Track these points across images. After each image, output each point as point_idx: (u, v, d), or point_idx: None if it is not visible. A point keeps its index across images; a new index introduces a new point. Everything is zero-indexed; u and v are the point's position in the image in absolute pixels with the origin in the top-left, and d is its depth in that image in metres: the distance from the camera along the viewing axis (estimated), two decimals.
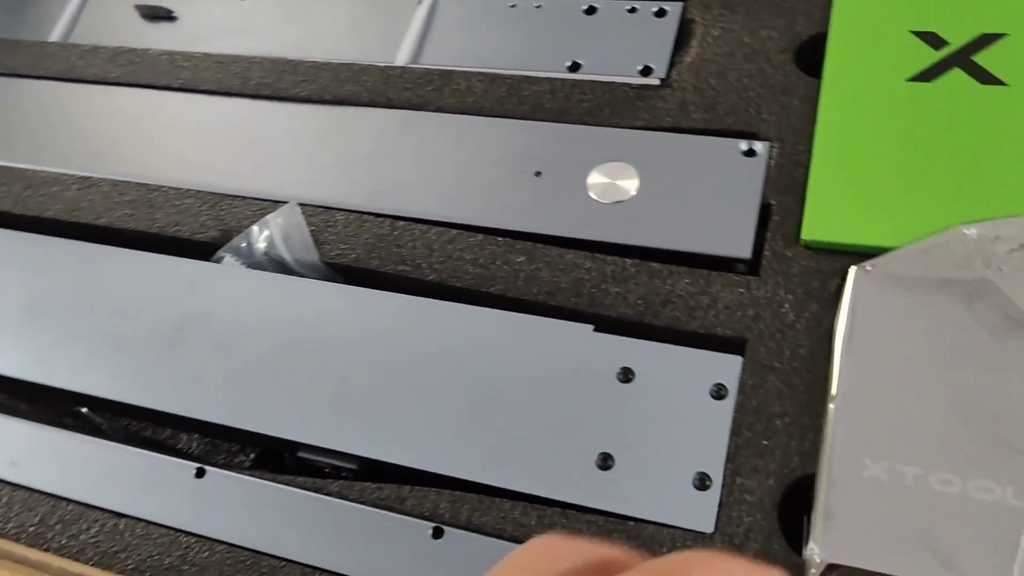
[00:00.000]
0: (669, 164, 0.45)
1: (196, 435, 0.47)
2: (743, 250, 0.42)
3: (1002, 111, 0.43)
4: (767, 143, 0.45)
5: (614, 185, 0.45)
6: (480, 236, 0.45)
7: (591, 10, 0.52)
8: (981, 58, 0.44)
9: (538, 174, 0.46)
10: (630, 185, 0.45)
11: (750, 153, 0.45)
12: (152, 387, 0.44)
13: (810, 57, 0.47)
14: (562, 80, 0.50)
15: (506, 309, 0.43)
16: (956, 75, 0.44)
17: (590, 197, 0.45)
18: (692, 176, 0.44)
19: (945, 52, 0.45)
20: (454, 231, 0.45)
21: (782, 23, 0.49)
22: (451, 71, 0.51)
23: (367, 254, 0.46)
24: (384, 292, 0.44)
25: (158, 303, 0.47)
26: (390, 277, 0.45)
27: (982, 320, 0.37)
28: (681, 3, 0.51)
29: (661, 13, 0.51)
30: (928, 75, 0.44)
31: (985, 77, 0.44)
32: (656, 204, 0.44)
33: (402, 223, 0.46)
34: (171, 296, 0.47)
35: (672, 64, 0.49)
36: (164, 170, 0.53)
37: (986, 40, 0.45)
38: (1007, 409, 0.35)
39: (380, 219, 0.47)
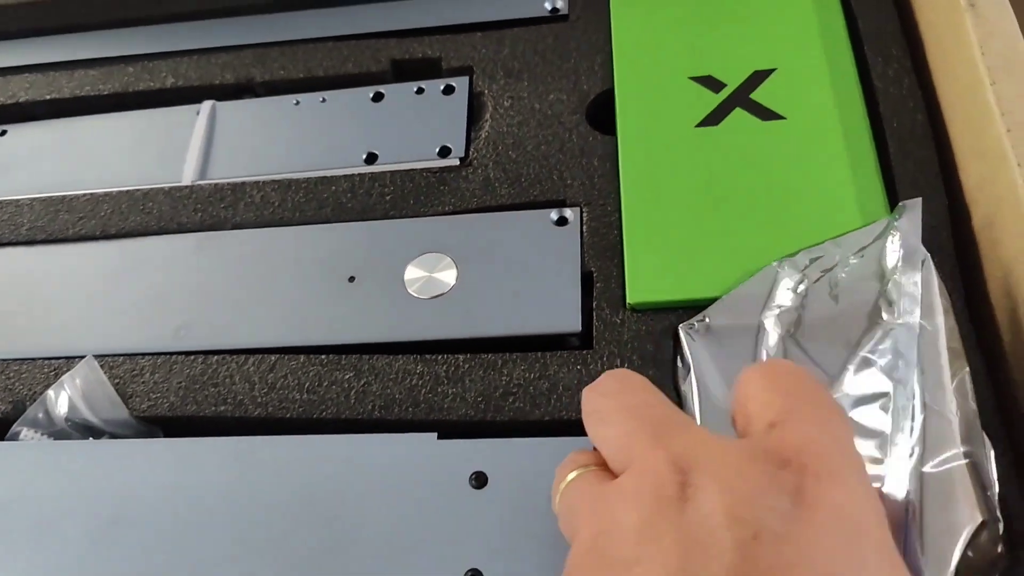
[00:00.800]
0: (483, 247, 0.44)
1: None
2: (572, 324, 0.41)
3: (786, 143, 0.44)
4: (576, 209, 0.44)
5: (432, 278, 0.43)
6: (302, 358, 0.42)
7: (378, 97, 0.51)
8: (758, 95, 0.45)
9: (352, 279, 0.44)
10: (448, 276, 0.43)
11: (562, 222, 0.44)
12: None
13: (602, 115, 0.47)
14: (360, 175, 0.48)
15: (342, 432, 0.40)
16: (739, 115, 0.45)
17: (410, 295, 0.43)
18: (508, 255, 0.43)
19: (725, 94, 0.46)
20: (273, 357, 0.42)
21: (568, 84, 0.49)
22: (243, 183, 0.49)
23: (182, 400, 0.42)
24: (207, 439, 0.41)
25: None
26: (211, 421, 0.42)
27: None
28: (466, 78, 0.50)
29: (449, 90, 0.50)
30: (714, 118, 0.45)
31: (765, 113, 0.45)
32: (477, 291, 0.43)
33: (216, 358, 0.43)
34: None
35: (469, 141, 0.48)
36: None
37: (759, 77, 0.46)
38: None
39: (191, 358, 0.43)
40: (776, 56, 0.46)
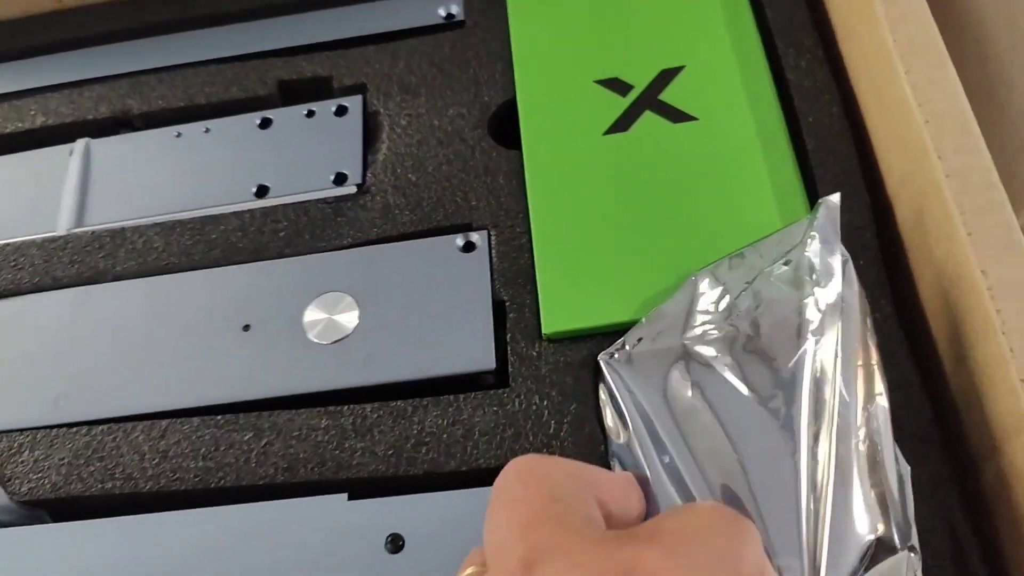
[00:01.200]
0: (386, 282, 0.41)
1: None
2: (486, 362, 0.38)
3: (700, 146, 0.41)
4: (483, 232, 0.41)
5: (332, 321, 0.40)
6: (196, 420, 0.39)
7: (265, 123, 0.47)
8: (668, 96, 0.43)
9: (247, 328, 0.41)
10: (349, 317, 0.40)
11: (468, 247, 0.41)
12: None
13: (505, 128, 0.44)
14: (251, 211, 0.44)
15: (244, 501, 0.37)
16: (649, 119, 0.42)
17: (310, 340, 0.40)
18: (414, 289, 0.40)
19: (632, 96, 0.43)
20: (164, 422, 0.39)
21: (468, 97, 0.45)
22: (123, 228, 0.44)
23: (66, 479, 0.38)
24: (96, 521, 0.37)
25: None
26: (100, 499, 0.38)
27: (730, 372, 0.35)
28: (359, 96, 0.46)
29: (341, 111, 0.46)
30: (622, 124, 0.42)
31: (676, 115, 0.42)
32: (382, 332, 0.39)
33: (100, 429, 0.39)
34: None
35: (366, 166, 0.45)
36: None
37: (667, 76, 0.43)
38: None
39: (73, 430, 0.39)
40: (683, 53, 0.44)
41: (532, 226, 0.40)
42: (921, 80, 0.36)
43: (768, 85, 0.42)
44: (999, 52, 0.53)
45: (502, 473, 0.27)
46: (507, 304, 0.39)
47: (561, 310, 0.38)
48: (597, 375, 0.37)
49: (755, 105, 0.42)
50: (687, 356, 0.35)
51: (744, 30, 0.44)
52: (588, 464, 0.28)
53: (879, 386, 0.31)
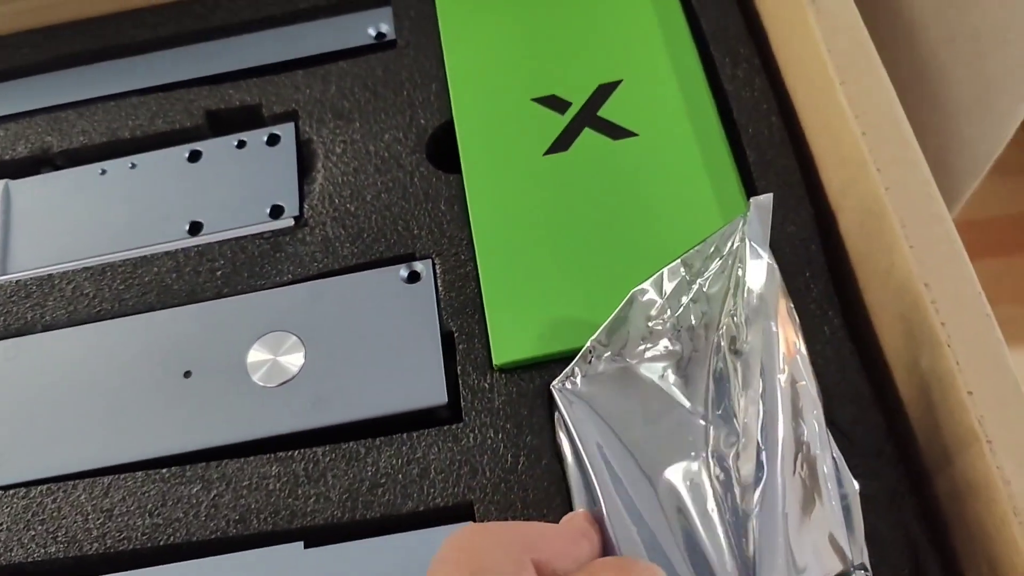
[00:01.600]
0: (330, 318, 0.40)
1: None
2: (438, 396, 0.37)
3: (641, 162, 0.41)
4: (427, 261, 0.40)
5: (277, 363, 0.39)
6: (140, 474, 0.37)
7: (194, 156, 0.45)
8: (607, 112, 0.42)
9: (188, 374, 0.39)
10: (295, 358, 0.39)
11: (413, 278, 0.40)
12: None
13: (444, 151, 0.43)
14: (184, 250, 0.42)
15: (196, 556, 0.36)
16: (589, 136, 0.42)
17: (255, 384, 0.39)
18: (359, 324, 0.39)
19: (571, 114, 0.43)
20: (107, 479, 0.37)
21: (403, 120, 0.44)
22: (50, 275, 0.43)
23: (5, 546, 0.36)
24: None
25: None
26: (45, 565, 0.36)
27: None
28: (291, 124, 0.45)
29: (273, 140, 0.45)
30: (562, 143, 0.42)
31: (616, 131, 0.42)
32: (329, 372, 0.38)
33: (39, 490, 0.37)
34: None
35: (302, 197, 0.43)
36: None
37: (605, 92, 0.43)
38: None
39: (9, 493, 0.37)
40: (620, 66, 0.43)
41: (477, 254, 0.40)
42: (857, 91, 0.36)
43: (706, 96, 0.42)
44: (931, 42, 0.54)
45: (439, 549, 0.27)
46: (455, 335, 0.39)
47: (511, 339, 0.38)
48: (551, 404, 0.36)
49: (694, 117, 0.42)
50: (635, 377, 0.35)
51: (680, 41, 0.44)
52: (531, 523, 0.28)
53: (810, 403, 0.30)
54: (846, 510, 0.31)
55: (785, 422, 0.30)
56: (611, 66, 0.43)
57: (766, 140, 0.41)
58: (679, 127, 0.41)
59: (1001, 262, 0.93)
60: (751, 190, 0.40)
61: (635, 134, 0.42)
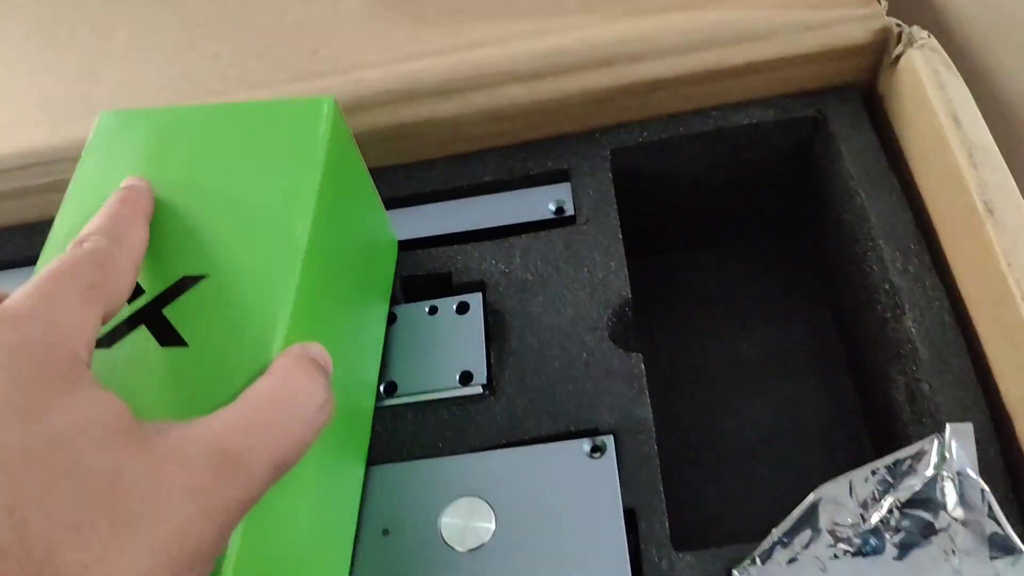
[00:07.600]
0: (519, 488, 0.42)
1: None
2: (619, 573, 0.39)
3: (180, 381, 0.33)
4: (610, 436, 0.43)
5: (469, 527, 0.42)
6: None
7: (391, 318, 0.49)
8: (173, 310, 0.35)
9: (385, 532, 0.42)
10: (487, 524, 0.42)
11: (596, 451, 0.43)
12: None
13: (624, 328, 0.46)
14: (379, 409, 0.46)
15: None
16: (140, 335, 0.34)
17: (447, 546, 0.42)
18: (546, 495, 0.42)
19: (138, 304, 0.35)
20: None
21: (585, 296, 0.48)
22: None
23: None
24: None
25: None
26: None
27: None
28: (479, 294, 0.49)
29: (463, 308, 0.49)
30: (111, 337, 0.34)
31: (168, 336, 0.34)
32: (518, 540, 0.41)
33: None
34: None
35: (490, 366, 0.47)
36: None
37: (184, 285, 0.36)
38: None
39: None
40: (209, 260, 0.36)
41: None
42: None
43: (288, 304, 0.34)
44: None
45: None
46: (637, 512, 0.41)
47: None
48: None
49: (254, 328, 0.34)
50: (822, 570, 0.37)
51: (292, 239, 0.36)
52: None
53: None
54: None
55: None
56: (203, 256, 0.36)
57: (939, 339, 0.42)
58: (234, 341, 0.34)
59: None
60: (924, 391, 0.41)
61: (184, 344, 0.34)
